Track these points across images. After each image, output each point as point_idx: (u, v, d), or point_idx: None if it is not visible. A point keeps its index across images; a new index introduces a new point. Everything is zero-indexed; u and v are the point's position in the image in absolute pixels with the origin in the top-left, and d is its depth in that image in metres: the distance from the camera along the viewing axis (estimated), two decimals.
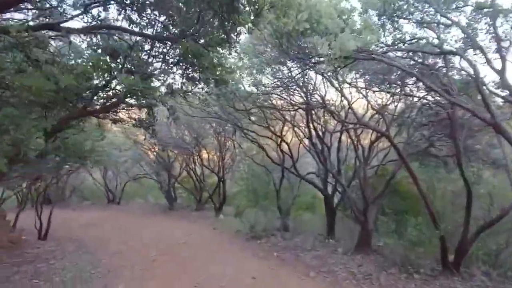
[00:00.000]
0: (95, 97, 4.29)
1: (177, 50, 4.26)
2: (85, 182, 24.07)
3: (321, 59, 4.38)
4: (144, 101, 4.45)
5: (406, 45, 5.71)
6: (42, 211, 12.17)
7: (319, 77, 7.85)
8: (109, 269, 7.71)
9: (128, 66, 4.27)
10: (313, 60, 5.05)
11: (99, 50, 4.17)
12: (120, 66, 4.18)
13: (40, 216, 12.06)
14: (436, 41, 5.93)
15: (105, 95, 4.67)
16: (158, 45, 4.51)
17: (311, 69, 5.98)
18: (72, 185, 24.01)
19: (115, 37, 4.26)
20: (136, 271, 7.48)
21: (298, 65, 6.12)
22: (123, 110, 5.33)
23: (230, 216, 14.85)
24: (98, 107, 4.71)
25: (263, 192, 13.96)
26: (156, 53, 4.61)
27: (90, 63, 3.30)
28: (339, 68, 4.97)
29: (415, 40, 5.66)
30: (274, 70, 7.14)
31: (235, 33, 3.88)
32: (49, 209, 12.20)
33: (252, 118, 9.58)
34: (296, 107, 8.73)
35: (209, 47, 4.03)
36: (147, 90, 4.01)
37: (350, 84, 7.77)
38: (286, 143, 10.60)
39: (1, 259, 8.03)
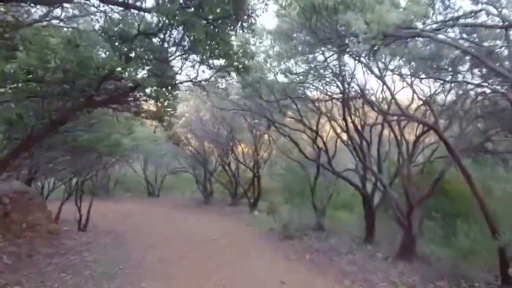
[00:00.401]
0: (100, 87, 3.99)
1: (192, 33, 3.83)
2: (128, 174, 24.88)
3: (356, 39, 3.75)
4: (159, 91, 4.10)
5: (460, 21, 4.85)
6: (82, 203, 12.56)
7: (358, 64, 7.12)
8: (139, 264, 7.66)
9: (135, 51, 3.91)
10: (346, 41, 4.41)
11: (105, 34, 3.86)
12: (128, 51, 3.83)
13: (80, 207, 12.45)
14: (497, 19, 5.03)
15: (116, 84, 4.35)
16: (173, 29, 4.11)
17: (345, 52, 5.31)
18: (116, 177, 24.99)
19: (123, 19, 3.95)
20: (165, 267, 7.35)
21: (331, 48, 5.47)
22: (143, 101, 5.05)
23: (265, 212, 14.48)
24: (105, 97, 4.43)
25: (299, 189, 13.41)
26: (169, 37, 4.23)
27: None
28: (376, 48, 4.27)
29: (471, 16, 4.79)
30: (307, 57, 6.50)
31: (247, 9, 3.38)
32: (91, 201, 12.55)
33: (284, 110, 8.98)
34: (331, 98, 8.01)
35: (211, 20, 3.56)
36: (150, 80, 3.64)
37: (392, 71, 6.94)
38: (321, 137, 9.90)
39: (37, 250, 8.22)
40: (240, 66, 4.55)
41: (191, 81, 4.77)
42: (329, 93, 8.02)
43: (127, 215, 15.51)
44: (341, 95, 7.76)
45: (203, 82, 4.97)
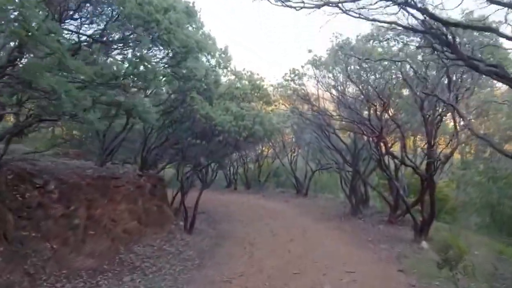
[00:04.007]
0: None
1: None
2: (280, 167, 22.40)
3: None
4: None
5: None
6: (186, 198, 10.39)
7: None
8: None
9: None
10: None
11: None
12: None
13: (183, 203, 10.29)
14: None
15: None
16: None
17: None
18: (268, 169, 22.87)
19: None
20: None
21: None
22: None
23: (442, 242, 8.46)
24: None
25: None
26: None
27: None
28: None
29: None
30: None
31: None
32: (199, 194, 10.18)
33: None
34: None
35: None
36: None
37: None
38: None
39: (58, 263, 5.86)
40: None
41: None
42: None
43: (254, 218, 12.66)
44: None
45: None
